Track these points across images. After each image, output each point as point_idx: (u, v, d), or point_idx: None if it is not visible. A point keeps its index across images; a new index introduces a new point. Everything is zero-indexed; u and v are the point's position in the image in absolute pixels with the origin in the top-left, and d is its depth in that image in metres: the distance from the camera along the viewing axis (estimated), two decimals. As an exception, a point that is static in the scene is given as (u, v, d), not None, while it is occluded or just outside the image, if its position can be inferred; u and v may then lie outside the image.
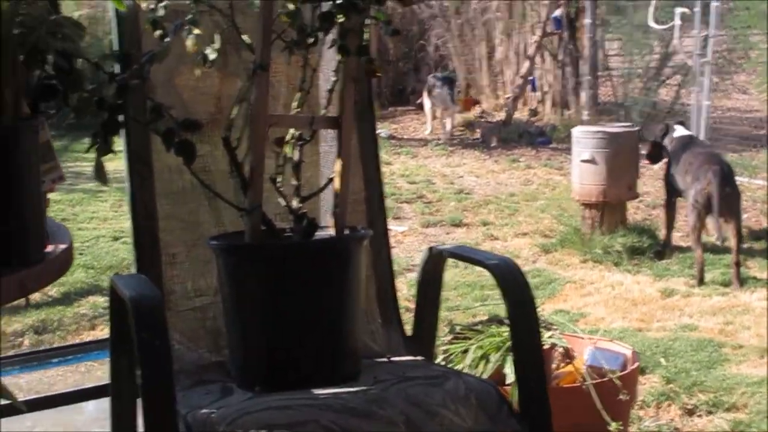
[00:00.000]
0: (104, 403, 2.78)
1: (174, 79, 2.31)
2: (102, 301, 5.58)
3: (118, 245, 6.41)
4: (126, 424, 2.20)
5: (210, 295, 2.31)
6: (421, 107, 10.97)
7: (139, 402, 2.12)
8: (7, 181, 1.56)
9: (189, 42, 2.10)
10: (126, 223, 6.95)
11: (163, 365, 1.76)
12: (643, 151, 6.63)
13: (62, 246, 1.70)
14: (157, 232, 2.26)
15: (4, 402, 2.49)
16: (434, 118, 10.66)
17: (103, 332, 5.11)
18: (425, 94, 10.63)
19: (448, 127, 10.44)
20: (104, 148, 1.93)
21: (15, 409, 2.52)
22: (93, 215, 7.33)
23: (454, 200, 7.87)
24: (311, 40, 2.07)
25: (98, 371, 4.04)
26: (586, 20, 10.26)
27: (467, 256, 2.36)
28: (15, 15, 1.63)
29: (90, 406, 2.80)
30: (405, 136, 10.82)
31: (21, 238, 1.58)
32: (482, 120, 11.35)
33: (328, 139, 2.45)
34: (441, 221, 7.22)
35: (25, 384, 4.13)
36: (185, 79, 2.31)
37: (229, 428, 1.87)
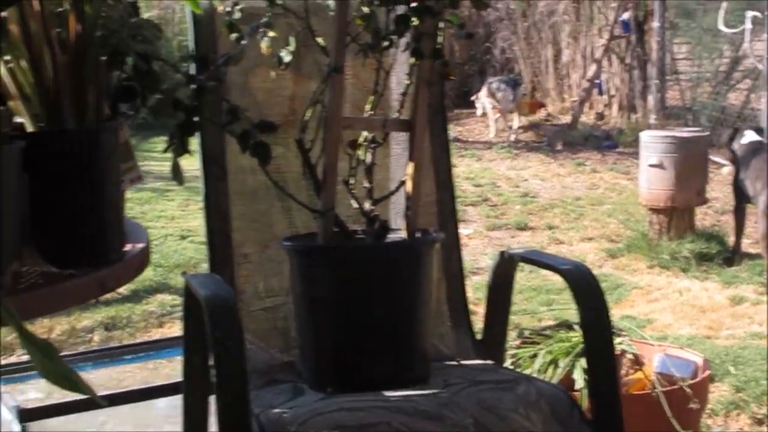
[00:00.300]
0: (175, 401, 2.82)
1: (248, 81, 2.33)
2: (170, 299, 5.64)
3: (186, 244, 6.48)
4: (198, 421, 2.23)
5: (281, 295, 2.33)
6: (475, 106, 10.93)
7: (211, 399, 2.15)
8: (89, 182, 1.58)
9: (264, 44, 2.12)
10: (193, 222, 7.05)
11: (237, 364, 1.78)
12: (712, 156, 6.56)
13: (140, 245, 1.73)
14: (230, 233, 2.28)
15: (82, 397, 2.54)
16: (495, 120, 10.64)
17: (171, 330, 5.17)
18: (483, 96, 10.60)
19: (514, 128, 10.41)
20: (180, 148, 1.95)
21: (93, 404, 2.57)
22: (161, 214, 7.42)
23: (519, 203, 7.84)
24: (386, 43, 2.08)
25: (165, 369, 4.09)
26: (655, 23, 10.16)
27: (539, 260, 2.35)
28: (97, 17, 1.66)
29: (161, 403, 2.82)
30: (470, 139, 10.81)
31: (101, 238, 1.60)
32: (548, 123, 11.30)
33: (399, 141, 2.45)
34: (506, 224, 7.20)
35: (95, 380, 4.19)
36: (259, 81, 2.33)
37: (301, 428, 1.89)
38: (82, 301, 1.57)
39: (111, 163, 1.63)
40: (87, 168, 1.58)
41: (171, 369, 3.52)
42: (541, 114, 11.55)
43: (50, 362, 1.39)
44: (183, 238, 6.62)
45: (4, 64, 1.60)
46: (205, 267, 6.22)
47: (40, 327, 5.03)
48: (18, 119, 1.68)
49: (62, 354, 4.15)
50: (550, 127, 11.03)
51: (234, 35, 2.09)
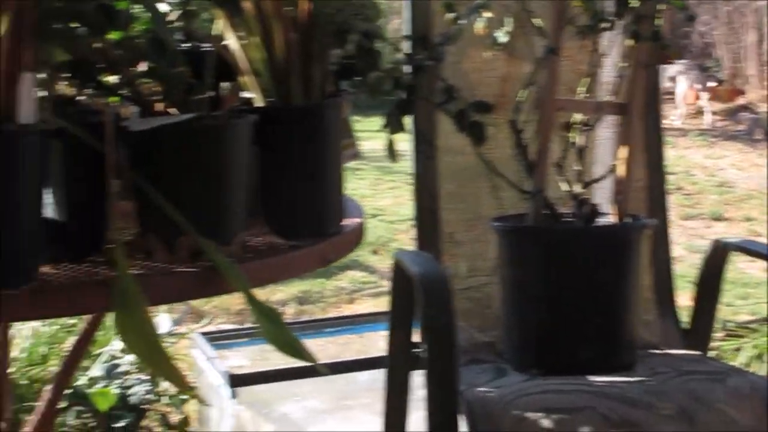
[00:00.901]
0: (368, 375, 2.87)
1: (461, 61, 2.34)
2: (360, 276, 5.74)
3: (376, 222, 6.57)
4: (399, 396, 2.26)
5: (485, 275, 2.34)
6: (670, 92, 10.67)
7: (413, 375, 2.19)
8: (314, 157, 1.62)
9: (479, 25, 2.13)
10: (382, 201, 7.14)
11: (448, 342, 1.80)
12: None
13: (356, 220, 1.76)
14: (438, 212, 2.31)
15: (288, 365, 2.62)
16: (685, 105, 10.35)
17: (361, 306, 5.26)
18: (679, 81, 10.32)
19: (708, 117, 10.11)
20: (397, 127, 1.98)
21: (297, 373, 2.65)
22: (352, 192, 7.51)
23: (715, 193, 7.63)
24: (605, 25, 2.05)
25: (356, 344, 4.16)
26: None
27: (756, 250, 2.29)
28: (325, -4, 1.70)
29: (361, 376, 2.88)
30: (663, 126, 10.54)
31: (323, 212, 1.64)
32: (747, 111, 10.93)
33: (608, 125, 2.42)
34: (701, 214, 7.02)
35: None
36: (472, 61, 2.34)
37: (507, 408, 1.89)
38: (305, 272, 1.61)
39: (334, 138, 1.67)
40: (312, 143, 1.63)
41: (361, 344, 3.59)
42: (739, 101, 11.18)
43: (276, 329, 1.44)
44: (373, 216, 6.72)
45: (238, 39, 1.66)
46: (394, 246, 6.33)
47: (236, 298, 5.20)
48: (245, 94, 1.74)
49: (250, 326, 4.28)
50: (749, 116, 10.66)
51: (451, 15, 2.11)
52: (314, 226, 1.63)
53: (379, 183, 7.74)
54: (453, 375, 1.80)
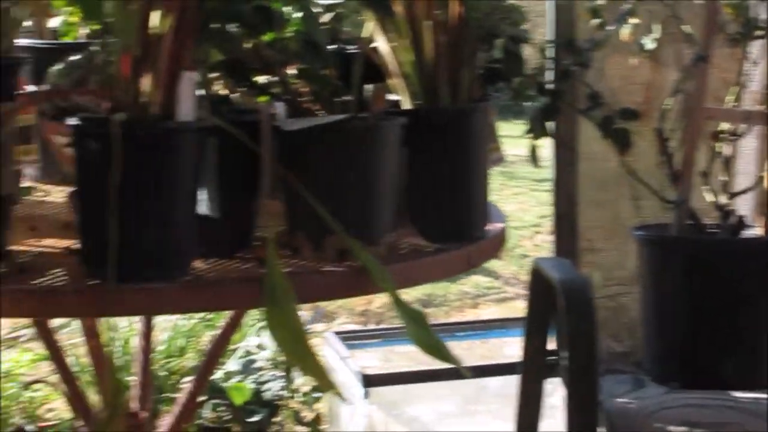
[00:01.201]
0: (494, 381, 2.85)
1: (604, 67, 2.32)
2: (484, 281, 5.71)
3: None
4: (532, 403, 2.24)
5: (623, 284, 2.31)
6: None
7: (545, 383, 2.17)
8: (461, 160, 1.62)
9: (625, 31, 2.10)
10: (507, 207, 7.08)
11: (590, 350, 1.78)
12: None
13: (499, 225, 1.76)
14: (576, 218, 2.29)
15: (421, 368, 2.63)
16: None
17: (484, 311, 5.24)
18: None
19: None
20: (540, 132, 1.97)
21: (428, 376, 2.65)
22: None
23: None
24: (758, 33, 2.01)
25: (479, 349, 4.14)
26: None
27: None
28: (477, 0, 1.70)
29: (493, 382, 2.85)
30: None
31: (468, 215, 1.64)
32: None
33: (754, 135, 2.36)
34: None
35: (412, 354, 4.31)
36: (616, 67, 2.31)
37: (648, 421, 1.87)
38: (450, 275, 1.62)
39: (482, 142, 1.67)
40: (460, 146, 1.62)
41: (485, 350, 3.56)
42: None
43: (422, 331, 1.45)
44: (500, 222, 6.66)
45: (387, 42, 1.67)
46: (518, 252, 6.24)
47: (361, 299, 5.22)
48: (392, 97, 1.75)
49: (383, 327, 4.29)
50: None
51: (597, 21, 2.08)
52: (460, 229, 1.63)
53: (503, 188, 7.69)
54: (594, 384, 1.78)
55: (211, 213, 1.46)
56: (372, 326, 4.62)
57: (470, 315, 5.20)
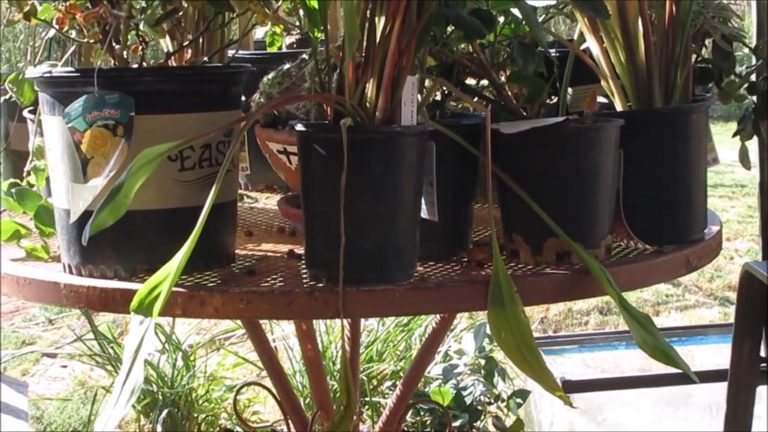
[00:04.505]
0: (694, 388, 2.78)
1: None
2: (664, 288, 5.60)
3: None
4: (741, 410, 2.18)
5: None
6: None
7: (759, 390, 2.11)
8: (679, 162, 1.59)
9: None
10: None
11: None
12: None
13: (714, 227, 1.72)
14: (785, 221, 2.22)
15: (620, 375, 2.61)
16: None
17: (666, 319, 5.14)
18: None
19: None
20: (750, 132, 1.91)
21: (628, 383, 2.62)
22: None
23: None
24: None
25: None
26: None
27: None
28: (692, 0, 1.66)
29: (691, 389, 2.79)
30: None
31: (687, 217, 1.61)
32: None
33: None
34: None
35: (593, 361, 4.25)
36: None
37: None
38: (669, 278, 1.59)
39: (699, 143, 1.63)
40: (678, 147, 1.60)
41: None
42: None
43: (648, 335, 1.43)
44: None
45: (599, 44, 1.65)
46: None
47: (540, 307, 5.18)
48: (601, 99, 1.74)
49: (560, 334, 4.25)
50: None
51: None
52: (678, 231, 1.60)
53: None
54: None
55: (430, 216, 1.47)
56: (564, 333, 4.59)
57: (652, 323, 5.10)
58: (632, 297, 5.46)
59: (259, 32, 2.34)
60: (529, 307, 5.23)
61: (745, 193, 6.86)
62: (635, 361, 4.46)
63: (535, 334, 4.47)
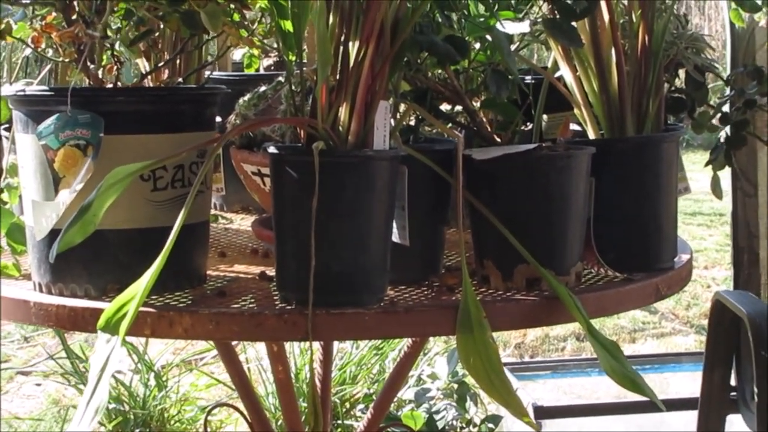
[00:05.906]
0: (666, 416, 2.79)
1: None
2: (640, 315, 5.62)
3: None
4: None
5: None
6: None
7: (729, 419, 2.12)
8: (649, 190, 1.61)
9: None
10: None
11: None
12: None
13: (685, 256, 1.73)
14: (757, 251, 2.23)
15: (592, 402, 2.61)
16: None
17: (642, 346, 5.15)
18: None
19: None
20: (722, 162, 1.93)
21: (599, 410, 2.62)
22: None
23: None
24: None
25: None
26: None
27: None
28: (665, 30, 1.68)
29: (663, 417, 2.81)
30: None
31: (656, 245, 1.62)
32: None
33: None
34: None
35: (569, 387, 4.26)
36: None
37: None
38: (638, 305, 1.59)
39: (670, 172, 1.65)
40: (649, 176, 1.61)
41: (651, 385, 3.48)
42: None
43: (616, 362, 1.43)
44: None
45: (573, 72, 1.67)
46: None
47: (515, 332, 5.19)
48: (574, 127, 1.75)
49: (536, 360, 4.25)
50: None
51: (781, 48, 2.04)
52: (648, 259, 1.61)
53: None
54: None
55: (402, 240, 1.48)
56: (540, 358, 4.59)
57: (627, 350, 5.11)
58: (609, 323, 5.47)
59: (237, 54, 2.35)
60: (506, 332, 5.23)
61: (723, 221, 6.90)
62: (612, 387, 4.46)
63: (511, 360, 4.49)
